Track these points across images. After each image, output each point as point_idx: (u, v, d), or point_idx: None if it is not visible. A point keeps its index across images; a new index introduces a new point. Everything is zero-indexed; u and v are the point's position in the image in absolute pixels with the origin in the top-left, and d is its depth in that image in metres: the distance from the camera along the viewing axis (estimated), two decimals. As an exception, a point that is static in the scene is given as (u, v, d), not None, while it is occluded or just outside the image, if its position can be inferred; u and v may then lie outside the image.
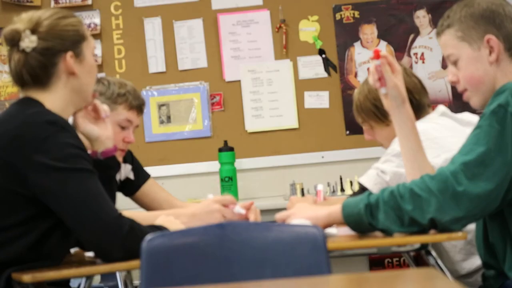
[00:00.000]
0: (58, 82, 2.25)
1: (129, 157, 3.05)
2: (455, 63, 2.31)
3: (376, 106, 2.88)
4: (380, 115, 2.89)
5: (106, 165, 2.40)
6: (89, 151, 2.34)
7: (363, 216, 2.13)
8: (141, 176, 3.06)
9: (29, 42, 2.21)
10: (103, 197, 2.16)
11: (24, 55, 2.22)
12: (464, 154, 2.11)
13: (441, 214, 2.06)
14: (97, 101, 2.47)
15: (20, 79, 2.25)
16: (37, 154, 2.11)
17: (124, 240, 2.11)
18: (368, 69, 2.45)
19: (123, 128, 2.87)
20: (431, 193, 2.07)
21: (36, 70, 2.23)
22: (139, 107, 2.90)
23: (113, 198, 2.37)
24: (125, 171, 3.02)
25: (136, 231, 2.14)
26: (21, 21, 2.25)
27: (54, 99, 2.25)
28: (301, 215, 2.26)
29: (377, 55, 2.34)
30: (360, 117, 2.96)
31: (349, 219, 2.17)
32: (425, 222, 2.07)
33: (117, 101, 2.86)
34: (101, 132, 2.44)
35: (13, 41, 2.22)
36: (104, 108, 2.48)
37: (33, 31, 2.22)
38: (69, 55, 2.25)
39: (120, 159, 2.90)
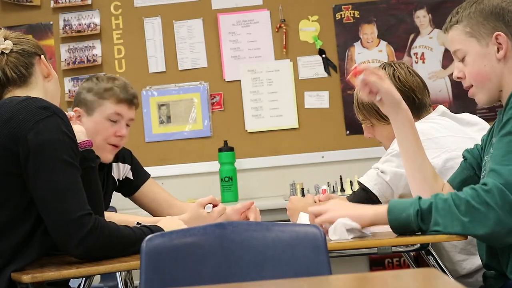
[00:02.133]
0: (37, 82, 2.36)
1: (129, 157, 3.04)
2: (462, 59, 2.30)
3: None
4: (382, 113, 2.88)
5: (83, 157, 2.41)
6: None
7: (412, 222, 2.09)
8: (141, 176, 3.05)
9: (6, 44, 2.33)
10: (75, 192, 2.17)
11: (4, 56, 2.32)
12: (507, 164, 2.07)
13: (500, 227, 2.04)
14: None
15: (2, 79, 2.32)
16: (29, 135, 2.14)
17: (82, 239, 2.13)
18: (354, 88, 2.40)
19: (113, 122, 2.86)
20: (489, 207, 2.04)
21: (19, 68, 2.33)
22: (127, 100, 2.88)
23: (95, 191, 2.35)
24: (124, 171, 3.02)
25: (102, 231, 2.16)
26: None
27: (35, 95, 2.30)
28: (342, 212, 2.21)
29: (356, 72, 2.31)
30: (361, 114, 2.95)
31: (394, 222, 2.13)
32: (480, 234, 2.07)
33: (104, 96, 2.86)
34: (75, 127, 2.47)
35: None
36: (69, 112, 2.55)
37: (5, 38, 2.34)
38: (42, 57, 2.38)
39: (111, 155, 2.88)
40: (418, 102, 2.85)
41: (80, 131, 2.46)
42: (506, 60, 2.24)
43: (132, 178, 3.03)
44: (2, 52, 2.32)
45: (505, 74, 2.24)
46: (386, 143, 2.91)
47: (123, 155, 3.02)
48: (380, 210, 2.16)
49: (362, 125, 3.01)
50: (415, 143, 2.38)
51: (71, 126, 2.22)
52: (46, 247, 2.23)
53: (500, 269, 2.23)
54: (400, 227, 2.13)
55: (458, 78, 2.33)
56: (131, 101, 2.91)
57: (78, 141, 2.42)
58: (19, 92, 2.31)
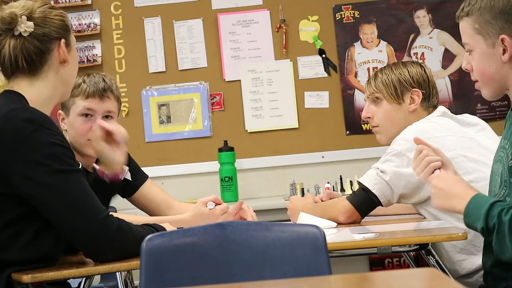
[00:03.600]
0: (50, 70, 2.26)
1: (126, 159, 3.01)
2: (470, 52, 2.24)
3: (400, 81, 2.91)
4: (399, 90, 2.92)
5: (108, 187, 2.40)
6: (97, 167, 2.38)
7: (480, 233, 2.12)
8: (139, 178, 3.03)
9: (26, 27, 2.21)
10: (89, 197, 2.14)
11: (21, 40, 2.22)
12: None
13: None
14: (114, 124, 2.49)
15: (13, 65, 2.23)
16: (18, 155, 2.09)
17: (111, 240, 2.12)
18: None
19: (87, 118, 2.81)
20: None
21: (32, 56, 2.22)
22: (95, 93, 2.80)
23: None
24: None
25: (125, 231, 2.15)
26: (15, 7, 2.25)
27: (41, 88, 2.24)
28: (442, 191, 2.20)
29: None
30: (376, 87, 2.96)
31: (469, 226, 2.16)
32: None
33: (74, 93, 2.78)
34: (117, 158, 2.45)
35: (11, 24, 2.21)
36: (121, 131, 2.51)
37: (29, 17, 2.22)
38: (62, 42, 2.26)
39: (90, 150, 2.84)
40: (432, 97, 2.91)
41: (120, 163, 2.43)
42: (511, 61, 2.18)
43: (130, 179, 3.01)
44: (20, 35, 2.21)
45: (510, 76, 2.19)
46: (383, 121, 2.93)
47: None
48: (460, 209, 2.16)
49: (366, 101, 3.02)
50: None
51: (58, 133, 2.16)
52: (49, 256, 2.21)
53: (505, 277, 2.20)
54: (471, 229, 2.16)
55: (466, 69, 2.28)
56: (101, 94, 2.81)
57: (114, 171, 2.40)
58: (26, 82, 2.23)
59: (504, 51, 2.17)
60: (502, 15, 2.17)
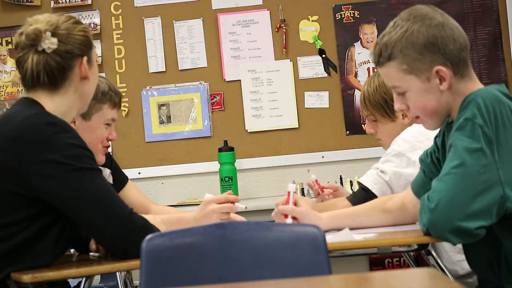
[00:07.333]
0: (70, 86, 2.26)
1: (108, 161, 2.99)
2: (402, 93, 2.21)
3: (385, 100, 2.88)
4: (387, 109, 2.89)
5: None
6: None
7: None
8: (120, 181, 3.01)
9: (50, 43, 2.21)
10: (111, 194, 2.18)
11: (44, 56, 2.22)
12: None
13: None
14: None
15: (34, 80, 2.24)
16: (40, 155, 2.10)
17: (138, 236, 2.11)
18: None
19: (107, 126, 2.82)
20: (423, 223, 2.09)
21: (54, 72, 2.23)
22: (119, 103, 2.86)
23: None
24: (105, 176, 2.97)
25: (148, 227, 2.17)
26: (40, 22, 2.25)
27: (60, 102, 2.25)
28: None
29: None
30: (367, 109, 2.95)
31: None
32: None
33: (102, 101, 2.79)
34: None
35: (35, 40, 2.22)
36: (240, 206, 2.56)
37: (53, 33, 2.23)
38: (85, 59, 2.27)
39: (103, 157, 2.86)
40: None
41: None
42: (450, 88, 2.16)
43: (112, 183, 2.98)
44: (43, 51, 2.22)
45: (450, 100, 2.17)
46: (387, 140, 2.92)
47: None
48: None
49: (366, 120, 3.02)
50: (352, 221, 2.41)
51: (79, 137, 2.18)
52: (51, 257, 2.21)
53: (497, 281, 2.19)
54: None
55: (401, 110, 2.26)
56: (120, 103, 2.87)
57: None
58: (45, 95, 2.24)
59: (441, 81, 2.15)
60: (428, 48, 2.14)
